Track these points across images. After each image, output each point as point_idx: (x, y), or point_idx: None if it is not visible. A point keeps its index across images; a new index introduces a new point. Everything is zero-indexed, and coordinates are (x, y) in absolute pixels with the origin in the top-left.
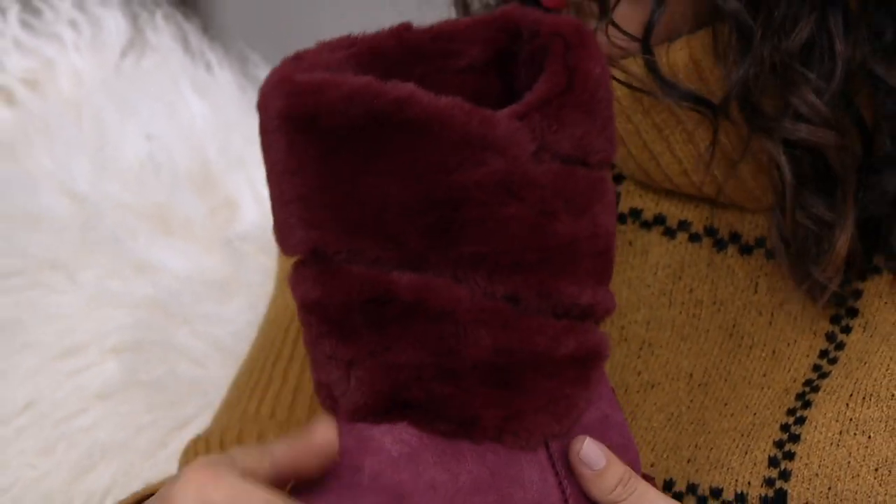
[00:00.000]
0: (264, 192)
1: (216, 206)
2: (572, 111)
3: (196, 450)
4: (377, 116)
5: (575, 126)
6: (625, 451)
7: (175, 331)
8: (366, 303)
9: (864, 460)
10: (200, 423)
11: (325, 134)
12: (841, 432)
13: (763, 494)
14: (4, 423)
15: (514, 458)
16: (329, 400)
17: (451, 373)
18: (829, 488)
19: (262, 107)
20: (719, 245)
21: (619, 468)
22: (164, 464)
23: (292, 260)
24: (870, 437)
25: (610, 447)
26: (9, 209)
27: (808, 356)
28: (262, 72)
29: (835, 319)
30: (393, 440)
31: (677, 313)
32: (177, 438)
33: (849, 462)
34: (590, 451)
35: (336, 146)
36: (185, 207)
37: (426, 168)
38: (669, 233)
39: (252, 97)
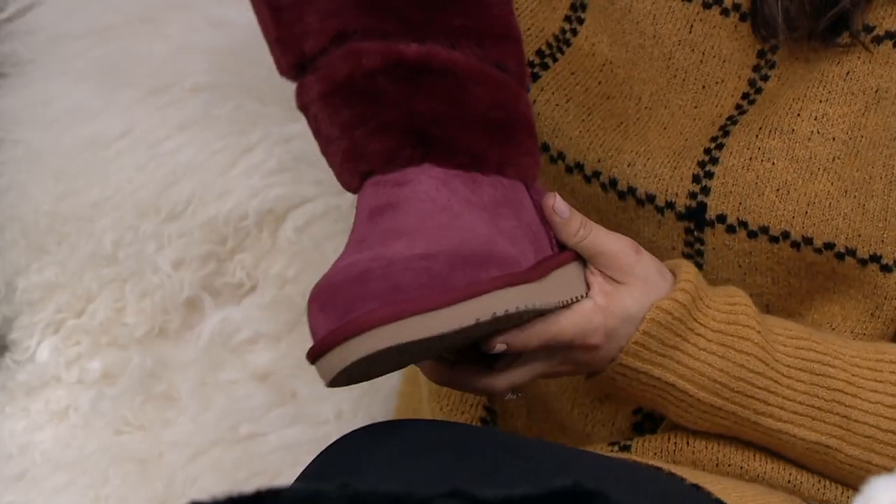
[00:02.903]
0: None
1: None
2: None
3: None
4: None
5: None
6: None
7: (242, 74)
8: (385, 68)
9: (767, 182)
10: (262, 148)
11: None
12: (750, 159)
13: (687, 205)
14: (106, 147)
15: (517, 188)
16: (357, 163)
17: (460, 119)
18: (740, 203)
19: None
20: None
21: (578, 216)
22: (233, 181)
23: None
24: (773, 163)
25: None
26: None
27: (732, 96)
28: None
29: (756, 68)
30: (427, 176)
31: (628, 38)
32: (243, 160)
33: (756, 183)
34: (559, 204)
35: None
36: None
37: None
38: None
39: None
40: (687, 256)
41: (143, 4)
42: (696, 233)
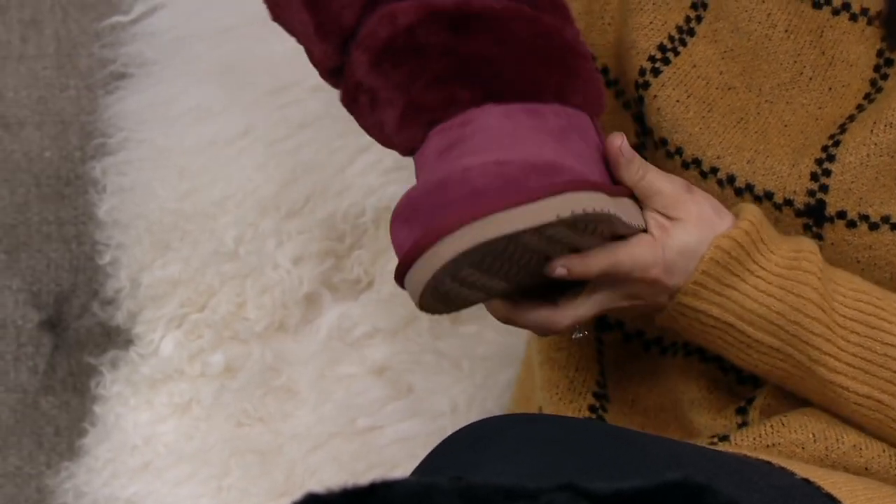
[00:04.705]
0: None
1: None
2: None
3: None
4: None
5: None
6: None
7: None
8: (420, 21)
9: (887, 174)
10: (378, 147)
11: None
12: (868, 154)
13: (807, 202)
14: (229, 145)
15: (582, 118)
16: (420, 115)
17: (507, 55)
18: (861, 199)
19: None
20: None
21: (639, 157)
22: (351, 178)
23: None
24: (892, 156)
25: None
26: None
27: (856, 97)
28: None
29: (877, 68)
30: (489, 113)
31: (755, 28)
32: (361, 159)
33: (876, 178)
34: (625, 145)
35: None
36: None
37: None
38: None
39: None
40: None
41: (263, 6)
42: (814, 229)
